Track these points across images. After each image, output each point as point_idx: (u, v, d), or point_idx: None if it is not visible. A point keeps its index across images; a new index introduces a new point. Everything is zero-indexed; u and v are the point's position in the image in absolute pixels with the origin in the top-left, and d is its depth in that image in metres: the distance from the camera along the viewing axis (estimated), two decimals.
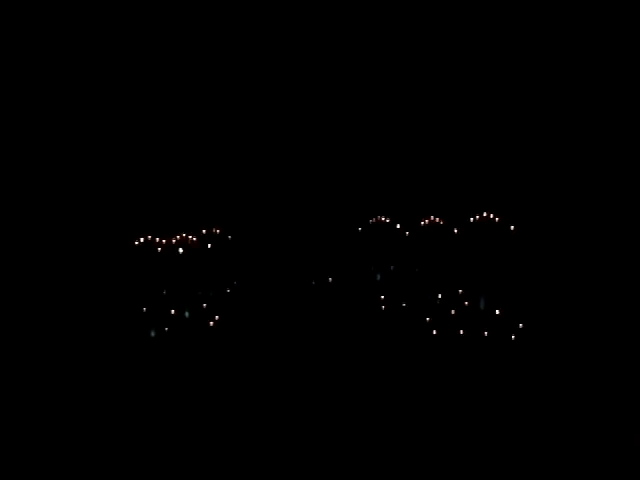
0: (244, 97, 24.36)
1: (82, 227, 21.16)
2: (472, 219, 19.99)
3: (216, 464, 12.38)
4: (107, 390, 15.29)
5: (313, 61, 24.23)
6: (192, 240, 20.31)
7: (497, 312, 17.88)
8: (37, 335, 17.57)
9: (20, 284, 19.16)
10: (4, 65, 21.20)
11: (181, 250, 18.63)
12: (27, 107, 21.83)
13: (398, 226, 22.13)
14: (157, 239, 18.87)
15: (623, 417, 13.23)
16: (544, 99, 23.25)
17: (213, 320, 17.71)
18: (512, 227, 19.44)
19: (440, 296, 19.88)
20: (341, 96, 24.58)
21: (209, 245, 19.93)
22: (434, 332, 17.36)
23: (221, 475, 12.14)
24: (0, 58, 21.08)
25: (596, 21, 22.40)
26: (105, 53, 22.68)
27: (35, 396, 14.89)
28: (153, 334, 18.25)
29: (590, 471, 11.78)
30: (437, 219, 21.30)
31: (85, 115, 22.70)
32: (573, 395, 14.73)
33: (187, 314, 18.99)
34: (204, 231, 21.17)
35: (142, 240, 18.85)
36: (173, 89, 23.73)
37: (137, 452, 12.85)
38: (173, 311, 18.56)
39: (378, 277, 21.99)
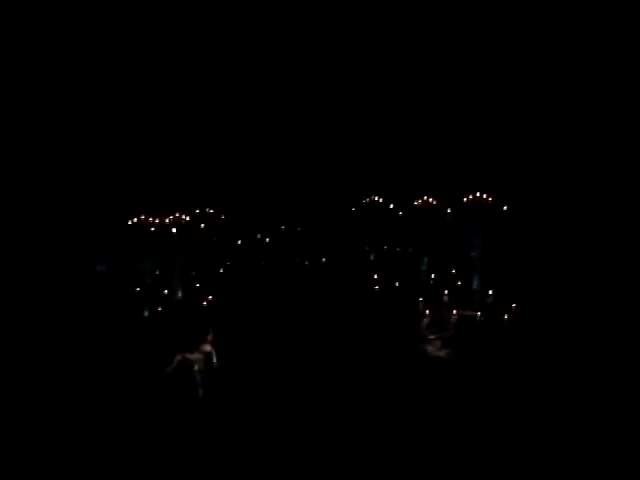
0: (235, 80, 24.05)
1: (76, 208, 20.89)
2: (466, 199, 19.68)
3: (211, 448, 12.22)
4: (102, 370, 15.13)
5: (304, 47, 23.99)
6: None
7: (490, 292, 17.70)
8: (34, 310, 17.46)
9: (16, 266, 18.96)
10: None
11: (175, 230, 18.27)
12: (26, 93, 21.55)
13: (392, 206, 21.88)
14: (151, 219, 18.50)
15: (616, 400, 13.05)
16: (535, 84, 23.00)
17: (206, 300, 17.43)
18: (505, 207, 19.15)
19: (433, 276, 19.71)
20: (334, 77, 24.27)
21: (202, 225, 19.59)
22: (427, 312, 17.12)
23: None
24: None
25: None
26: (102, 41, 22.43)
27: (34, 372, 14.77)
28: (147, 314, 18.04)
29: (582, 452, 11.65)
30: (431, 199, 20.99)
31: (81, 100, 22.41)
32: (566, 376, 14.58)
33: (180, 294, 18.75)
34: (197, 211, 20.88)
35: (135, 220, 18.48)
36: (167, 77, 23.43)
37: (133, 436, 12.68)
38: (166, 291, 18.34)
39: (372, 257, 21.80)
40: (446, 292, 18.01)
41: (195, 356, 14.57)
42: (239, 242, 22.10)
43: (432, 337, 16.78)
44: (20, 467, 11.64)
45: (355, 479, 11.24)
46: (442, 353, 16.34)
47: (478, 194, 19.60)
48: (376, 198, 22.32)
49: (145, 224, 18.38)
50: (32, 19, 21.27)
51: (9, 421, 13.06)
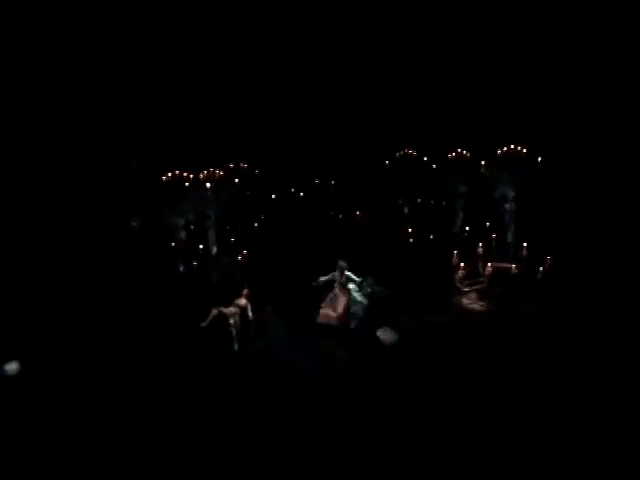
0: (268, 40, 23.65)
1: (113, 163, 20.75)
2: (499, 151, 19.11)
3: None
4: (137, 325, 15.04)
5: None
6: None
7: (524, 244, 17.26)
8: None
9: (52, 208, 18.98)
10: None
11: (209, 185, 17.94)
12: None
13: (425, 159, 21.44)
14: (185, 174, 18.20)
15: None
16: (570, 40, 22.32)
17: (241, 254, 17.16)
18: (539, 159, 18.54)
19: (468, 229, 19.32)
20: (367, 36, 23.80)
21: (236, 180, 19.23)
22: (461, 264, 16.73)
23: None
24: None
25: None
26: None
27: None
28: (182, 269, 17.91)
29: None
30: (464, 152, 20.47)
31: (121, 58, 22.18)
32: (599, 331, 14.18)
33: (215, 249, 18.55)
34: (231, 166, 20.54)
35: (170, 175, 18.19)
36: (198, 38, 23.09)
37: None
38: (201, 246, 18.14)
39: (406, 210, 21.47)
40: (480, 245, 17.62)
41: (231, 310, 14.37)
42: (273, 196, 21.85)
43: (467, 289, 16.50)
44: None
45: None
46: (477, 305, 16.07)
47: (512, 146, 19.02)
48: (410, 151, 21.90)
49: (179, 179, 18.08)
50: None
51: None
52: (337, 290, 15.46)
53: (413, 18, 23.16)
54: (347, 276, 15.45)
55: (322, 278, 15.65)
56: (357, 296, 15.61)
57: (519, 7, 22.25)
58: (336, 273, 15.52)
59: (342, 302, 15.28)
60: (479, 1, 22.68)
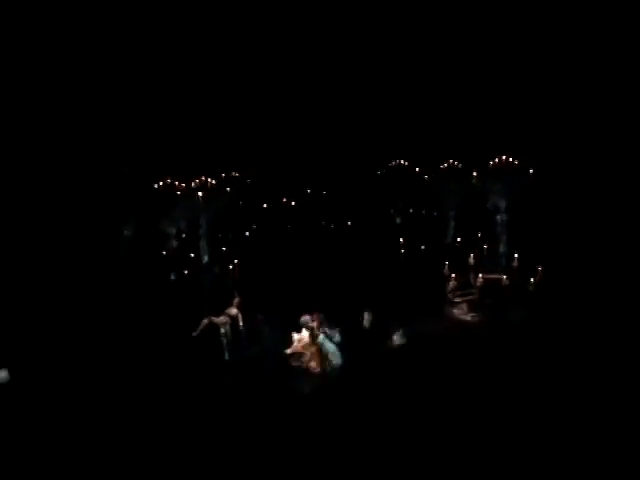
0: (261, 46, 23.64)
1: (105, 169, 20.69)
2: (491, 163, 19.13)
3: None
4: (128, 333, 14.92)
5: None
6: None
7: (515, 255, 17.25)
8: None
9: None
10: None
11: (200, 193, 17.88)
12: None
13: (417, 169, 21.49)
14: (177, 182, 18.15)
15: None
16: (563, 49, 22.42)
17: (232, 263, 17.07)
18: (531, 171, 18.58)
19: (459, 239, 19.31)
20: (360, 42, 23.82)
21: (228, 188, 19.18)
22: (453, 275, 16.68)
23: None
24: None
25: None
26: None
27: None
28: (173, 277, 17.81)
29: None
30: (456, 163, 20.52)
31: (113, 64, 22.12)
32: (591, 338, 14.14)
33: (206, 257, 18.47)
34: (223, 175, 20.50)
35: (161, 183, 18.13)
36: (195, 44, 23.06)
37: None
38: (192, 254, 18.06)
39: (397, 220, 21.48)
40: (472, 256, 17.59)
41: (221, 319, 14.25)
42: (265, 205, 21.81)
43: (458, 300, 16.44)
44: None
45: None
46: (468, 316, 16.00)
47: (504, 158, 19.06)
48: (402, 161, 21.95)
49: (171, 187, 18.02)
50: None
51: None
52: (306, 340, 13.81)
53: (407, 31, 23.21)
54: (324, 331, 14.47)
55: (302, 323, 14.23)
56: (327, 343, 14.56)
57: (512, 21, 22.34)
58: (313, 324, 13.98)
59: (313, 356, 14.42)
60: (473, 14, 22.73)
